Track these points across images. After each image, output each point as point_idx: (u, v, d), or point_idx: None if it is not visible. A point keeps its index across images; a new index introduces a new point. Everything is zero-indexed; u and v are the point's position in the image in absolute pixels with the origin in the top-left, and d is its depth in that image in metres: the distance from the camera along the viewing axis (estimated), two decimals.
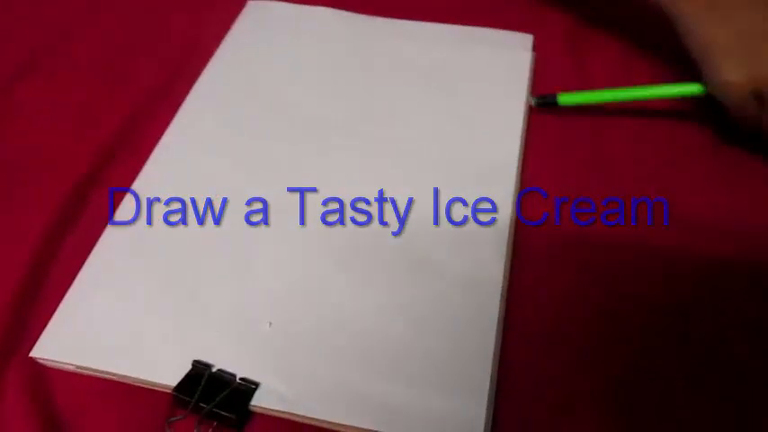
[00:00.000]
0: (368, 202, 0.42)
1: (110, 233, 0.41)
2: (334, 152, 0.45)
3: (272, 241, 0.40)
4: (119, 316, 0.37)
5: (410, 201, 0.42)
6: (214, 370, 0.34)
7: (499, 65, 0.50)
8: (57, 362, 0.35)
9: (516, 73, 0.49)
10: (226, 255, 0.39)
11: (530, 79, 0.49)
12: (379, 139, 0.45)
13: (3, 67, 0.51)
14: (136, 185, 0.43)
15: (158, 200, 0.42)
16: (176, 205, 0.42)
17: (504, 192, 0.42)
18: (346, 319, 0.37)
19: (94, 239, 0.40)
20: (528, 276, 0.39)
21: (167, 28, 0.55)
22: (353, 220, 0.41)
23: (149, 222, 0.41)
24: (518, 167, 0.44)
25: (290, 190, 0.43)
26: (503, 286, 0.38)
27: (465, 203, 0.42)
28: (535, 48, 0.52)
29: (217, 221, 0.41)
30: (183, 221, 0.41)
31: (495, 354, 0.35)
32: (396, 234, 0.40)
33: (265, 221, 0.41)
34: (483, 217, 0.41)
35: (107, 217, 0.41)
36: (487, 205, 0.41)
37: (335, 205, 0.42)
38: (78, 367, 0.35)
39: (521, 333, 0.37)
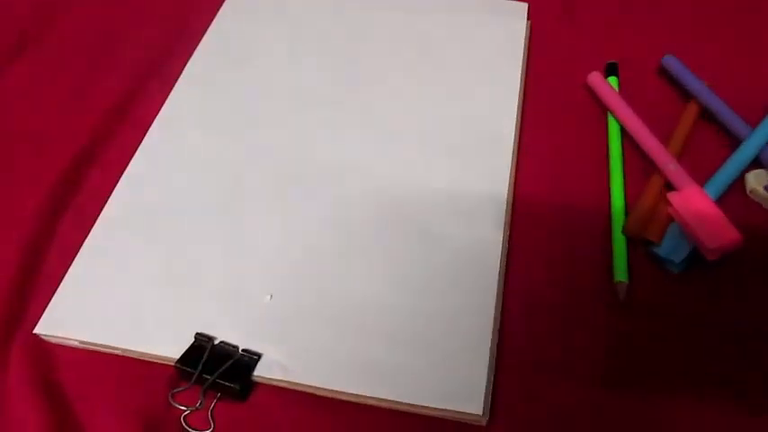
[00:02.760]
0: (365, 175, 0.42)
1: (109, 209, 0.41)
2: (329, 126, 0.45)
3: (271, 214, 0.40)
4: (120, 291, 0.37)
5: (408, 173, 0.42)
6: (216, 342, 0.35)
7: (494, 34, 0.50)
8: (60, 338, 0.36)
9: (511, 42, 0.49)
10: (225, 228, 0.40)
11: (525, 48, 0.49)
12: (374, 111, 0.45)
13: None
14: (133, 163, 0.43)
15: (156, 176, 0.42)
16: (174, 181, 0.42)
17: (501, 162, 0.42)
18: (346, 289, 0.37)
19: (93, 216, 0.40)
20: (526, 245, 0.39)
21: (155, 10, 0.54)
22: (351, 193, 0.41)
23: (148, 198, 0.41)
24: (515, 137, 0.44)
25: (287, 164, 0.43)
26: (502, 256, 0.38)
27: (463, 174, 0.42)
28: (530, 15, 0.52)
29: (215, 197, 0.41)
30: (182, 197, 0.41)
31: (494, 321, 0.35)
32: (394, 206, 0.40)
33: (263, 195, 0.41)
34: (481, 187, 0.41)
35: (105, 194, 0.41)
36: (485, 175, 0.42)
37: (332, 178, 0.42)
38: (82, 342, 0.35)
39: (520, 302, 0.37)
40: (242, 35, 0.51)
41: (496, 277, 0.37)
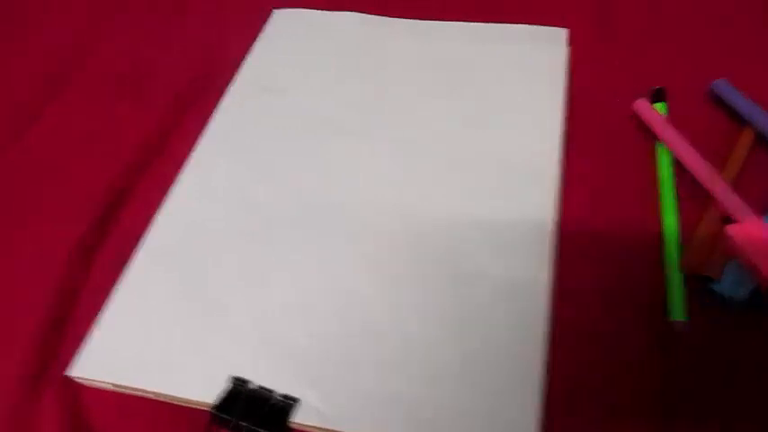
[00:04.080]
0: (402, 208, 0.40)
1: (143, 249, 0.40)
2: (365, 158, 0.44)
3: (307, 252, 0.39)
4: (154, 333, 0.36)
5: (447, 206, 0.40)
6: (252, 386, 0.33)
7: (533, 61, 0.48)
8: (93, 380, 0.35)
9: (552, 69, 0.48)
10: (260, 267, 0.38)
11: (566, 74, 0.47)
12: (413, 142, 0.44)
13: (32, 83, 0.51)
14: (167, 201, 0.42)
15: (191, 213, 0.41)
16: (209, 219, 0.41)
17: (545, 192, 0.41)
18: (384, 330, 0.35)
19: (126, 255, 0.39)
20: (572, 277, 0.37)
21: (194, 40, 0.54)
22: (388, 227, 0.40)
23: (182, 237, 0.40)
24: (558, 167, 0.42)
25: (322, 198, 0.41)
26: (547, 291, 0.36)
27: (504, 205, 0.40)
28: (570, 41, 0.50)
29: (250, 234, 0.40)
30: (217, 236, 0.40)
31: (542, 358, 0.34)
32: (433, 240, 0.39)
33: (299, 232, 0.40)
34: (524, 218, 0.39)
35: (139, 233, 0.41)
36: (528, 206, 0.40)
37: (369, 212, 0.40)
38: (115, 386, 0.35)
39: (568, 340, 0.35)
40: (277, 66, 0.51)
41: (543, 316, 0.35)
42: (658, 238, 0.39)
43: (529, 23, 0.51)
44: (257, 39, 0.53)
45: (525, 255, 0.38)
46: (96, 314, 0.37)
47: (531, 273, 0.37)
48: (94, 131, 0.47)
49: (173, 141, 0.46)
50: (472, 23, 0.52)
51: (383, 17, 0.54)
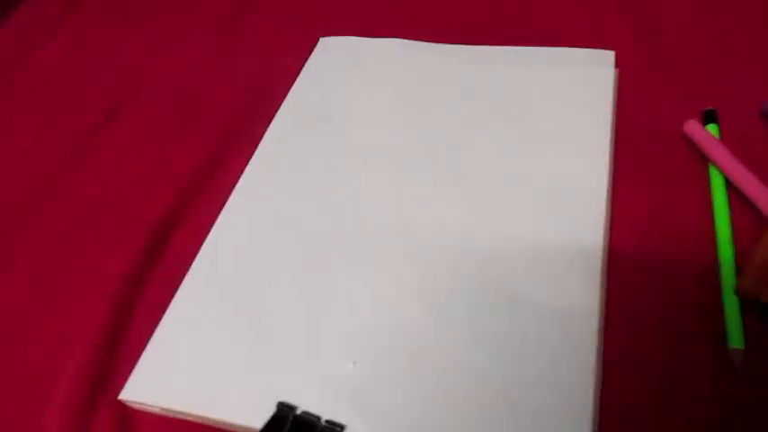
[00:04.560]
0: (450, 235, 0.40)
1: (192, 274, 0.41)
2: (413, 186, 0.44)
3: (354, 278, 0.39)
4: (203, 357, 0.37)
5: (495, 232, 0.40)
6: (299, 412, 0.33)
7: (581, 84, 0.48)
8: (143, 404, 0.35)
9: (600, 92, 0.47)
10: (307, 293, 0.39)
11: (614, 97, 0.47)
12: (460, 169, 0.44)
13: (89, 113, 0.53)
14: (216, 227, 0.43)
15: (239, 240, 0.42)
16: (257, 245, 0.42)
17: (594, 217, 0.40)
18: (433, 357, 0.35)
19: (177, 281, 0.40)
20: (624, 303, 0.37)
21: (240, 69, 0.56)
22: (434, 254, 0.39)
23: (231, 262, 0.41)
24: (607, 191, 0.41)
25: (370, 225, 0.42)
26: (599, 315, 0.35)
27: (554, 230, 0.39)
28: (617, 63, 0.50)
29: (297, 261, 0.40)
30: (264, 261, 0.41)
31: (595, 387, 0.33)
32: (482, 265, 0.38)
33: (347, 258, 0.40)
34: (574, 243, 0.39)
35: (189, 258, 0.41)
36: (578, 231, 0.39)
37: (417, 239, 0.40)
38: (163, 409, 0.35)
39: (620, 363, 0.34)
40: (323, 94, 0.51)
41: (594, 344, 0.34)
42: (713, 262, 0.38)
43: (572, 46, 0.51)
44: (304, 67, 0.54)
45: (576, 281, 0.37)
46: (148, 338, 0.38)
47: (582, 299, 0.36)
48: (148, 160, 0.49)
49: (222, 168, 0.47)
50: (518, 47, 0.52)
51: (426, 43, 0.54)
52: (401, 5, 0.59)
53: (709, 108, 0.45)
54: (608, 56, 0.50)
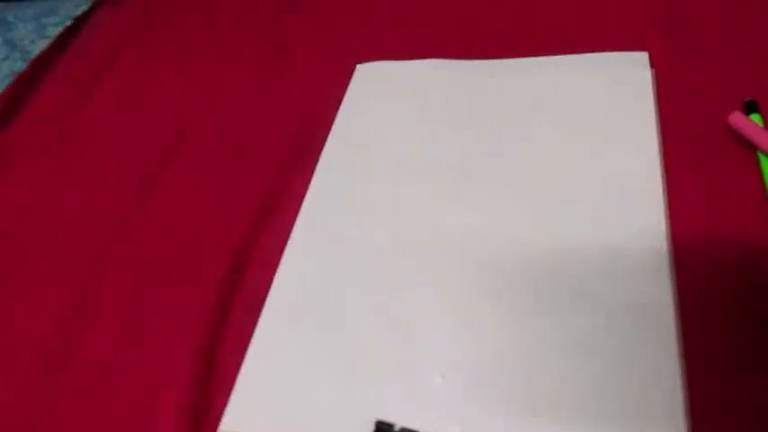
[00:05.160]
0: (515, 242, 0.42)
1: (271, 303, 0.42)
2: (470, 197, 0.45)
3: (428, 292, 0.41)
4: (295, 382, 0.38)
5: (557, 237, 0.41)
6: (398, 429, 0.35)
7: (622, 87, 0.49)
8: None
9: (640, 93, 0.49)
10: (386, 311, 0.40)
11: (655, 96, 0.48)
12: (517, 176, 0.46)
13: (151, 154, 0.56)
14: (288, 252, 0.45)
15: (310, 265, 0.44)
16: (329, 269, 0.43)
17: (653, 214, 0.41)
18: (517, 362, 0.36)
19: (257, 308, 0.42)
20: (694, 295, 0.38)
21: (285, 103, 0.57)
22: (504, 260, 0.41)
23: (306, 288, 0.42)
24: (663, 187, 0.43)
25: (435, 239, 0.43)
26: (674, 311, 0.37)
27: (617, 229, 0.41)
28: (652, 64, 0.51)
29: (370, 281, 0.42)
30: (339, 284, 0.42)
31: (682, 383, 0.34)
32: (550, 268, 0.40)
33: (417, 273, 0.42)
34: (637, 241, 0.40)
35: (266, 285, 0.43)
36: (640, 229, 0.40)
37: (483, 249, 0.42)
38: None
39: (702, 357, 0.35)
40: (367, 118, 0.53)
41: (673, 335, 0.36)
42: None
43: (604, 50, 0.53)
44: (345, 94, 0.56)
45: (646, 276, 0.38)
46: (238, 368, 0.39)
47: (656, 294, 0.37)
48: (211, 196, 0.51)
49: (284, 197, 0.49)
50: (551, 57, 0.54)
51: (460, 60, 0.56)
52: (427, 27, 0.61)
53: (750, 99, 0.46)
54: (642, 57, 0.51)
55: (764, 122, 0.45)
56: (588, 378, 0.35)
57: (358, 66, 0.58)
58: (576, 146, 0.46)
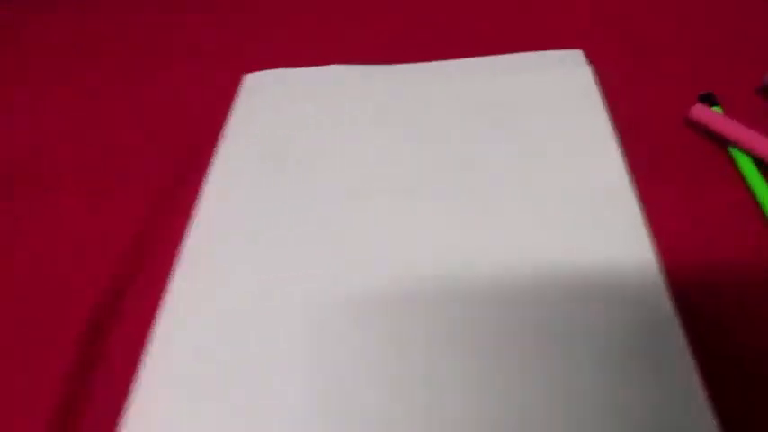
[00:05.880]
0: (479, 270, 0.32)
1: (150, 354, 0.30)
2: (408, 220, 0.36)
3: (369, 348, 0.30)
4: None
5: (529, 262, 0.33)
6: None
7: (560, 87, 0.43)
8: None
9: (585, 92, 0.42)
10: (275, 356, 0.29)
11: (601, 94, 0.42)
12: (458, 196, 0.37)
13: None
14: (163, 315, 0.32)
15: (195, 324, 0.32)
16: (215, 318, 0.32)
17: (633, 226, 0.34)
18: (509, 419, 0.27)
19: (134, 351, 0.30)
20: (696, 313, 0.30)
21: (163, 123, 0.46)
22: (470, 298, 0.31)
23: (187, 356, 0.31)
24: (636, 194, 0.35)
25: (366, 274, 0.33)
26: (680, 328, 0.29)
27: (596, 249, 0.33)
28: (591, 61, 0.45)
29: (256, 333, 0.31)
30: (227, 335, 0.31)
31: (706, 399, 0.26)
32: (532, 304, 0.31)
33: (346, 319, 0.31)
34: (623, 260, 0.32)
35: (140, 336, 0.31)
36: (622, 244, 0.33)
37: (438, 284, 0.32)
38: None
39: (725, 373, 0.28)
40: (262, 132, 0.43)
41: (687, 351, 0.28)
42: None
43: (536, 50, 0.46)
44: (232, 109, 0.45)
45: (642, 298, 0.30)
46: None
47: (656, 313, 0.30)
48: (67, 242, 0.37)
49: (158, 241, 0.37)
50: (475, 58, 0.46)
51: (370, 66, 0.47)
52: (328, 32, 0.52)
53: (707, 92, 0.41)
54: (576, 54, 0.45)
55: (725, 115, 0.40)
56: (605, 413, 0.26)
57: (246, 75, 0.48)
58: (527, 157, 0.38)
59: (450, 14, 0.53)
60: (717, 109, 0.40)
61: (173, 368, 0.30)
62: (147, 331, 0.32)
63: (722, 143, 0.38)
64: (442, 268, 0.32)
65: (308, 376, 0.29)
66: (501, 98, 0.42)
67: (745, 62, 0.44)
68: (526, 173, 0.37)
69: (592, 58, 0.46)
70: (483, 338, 0.29)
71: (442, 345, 0.29)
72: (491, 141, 0.39)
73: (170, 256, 0.36)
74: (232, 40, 0.53)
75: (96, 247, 0.37)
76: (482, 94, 0.43)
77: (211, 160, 0.41)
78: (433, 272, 0.32)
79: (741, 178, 0.36)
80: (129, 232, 0.37)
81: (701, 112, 0.39)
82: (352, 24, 0.53)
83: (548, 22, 0.50)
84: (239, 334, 0.31)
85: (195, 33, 0.54)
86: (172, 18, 0.57)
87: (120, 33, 0.56)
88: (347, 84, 0.45)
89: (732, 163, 0.37)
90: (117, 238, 0.37)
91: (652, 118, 0.41)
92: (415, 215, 0.36)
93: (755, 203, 0.35)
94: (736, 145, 0.37)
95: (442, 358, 0.29)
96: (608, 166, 0.37)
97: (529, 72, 0.44)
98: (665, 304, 0.30)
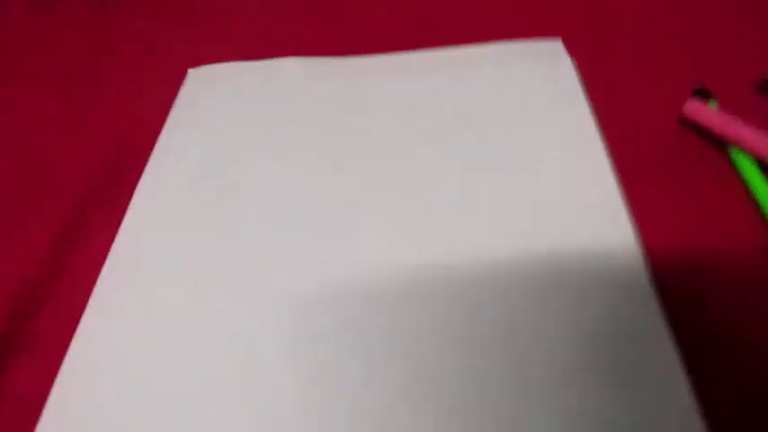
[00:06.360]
0: (463, 282, 0.28)
1: (59, 384, 0.25)
2: (362, 230, 0.31)
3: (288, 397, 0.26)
4: None
5: (508, 274, 0.28)
6: None
7: (539, 79, 0.38)
8: None
9: (566, 84, 0.37)
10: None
11: (582, 88, 0.37)
12: (426, 205, 0.32)
13: None
14: (72, 348, 0.28)
15: (106, 361, 0.27)
16: (140, 334, 0.27)
17: (620, 228, 0.29)
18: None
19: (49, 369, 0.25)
20: (686, 317, 0.26)
21: (98, 121, 0.41)
22: (432, 327, 0.27)
23: (104, 369, 0.26)
24: (622, 195, 0.31)
25: (305, 290, 0.28)
26: (669, 335, 0.25)
27: (580, 251, 0.28)
28: (571, 53, 0.41)
29: (186, 356, 0.26)
30: (148, 360, 0.26)
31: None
32: (518, 319, 0.26)
33: (252, 346, 0.27)
34: (610, 264, 0.28)
35: (57, 359, 0.26)
36: (608, 246, 0.29)
37: (412, 300, 0.28)
38: None
39: (717, 381, 0.23)
40: (203, 132, 0.38)
41: (677, 360, 0.24)
42: None
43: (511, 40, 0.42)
44: (172, 108, 0.40)
45: (630, 300, 0.26)
46: None
47: (647, 320, 0.26)
48: None
49: (76, 256, 0.32)
50: (445, 49, 0.42)
51: (323, 58, 0.42)
52: (283, 24, 0.47)
53: (701, 86, 0.37)
54: (555, 45, 0.41)
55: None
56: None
57: (190, 70, 0.43)
58: (501, 155, 0.34)
59: (415, 1, 0.48)
60: (712, 104, 0.35)
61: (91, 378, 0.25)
62: (68, 338, 0.27)
63: (717, 141, 0.34)
64: (404, 269, 0.28)
65: (232, 381, 0.24)
66: (475, 92, 0.38)
67: (741, 56, 0.39)
68: (498, 176, 0.33)
69: (574, 50, 0.41)
70: (463, 334, 0.25)
71: (405, 346, 0.25)
72: (457, 139, 0.35)
73: (96, 260, 0.31)
74: (179, 34, 0.48)
75: (13, 250, 0.32)
76: (450, 87, 0.38)
77: (145, 165, 0.36)
78: (390, 273, 0.28)
79: (737, 176, 0.32)
80: (48, 235, 0.33)
81: (693, 108, 0.34)
82: (312, 15, 0.48)
83: (525, 9, 0.45)
84: (162, 343, 0.26)
85: (140, 27, 0.49)
86: (114, 9, 0.52)
87: (53, 28, 0.51)
88: (297, 78, 0.41)
89: (728, 162, 0.33)
90: (37, 241, 0.33)
91: (640, 113, 0.36)
92: (363, 216, 0.31)
93: (753, 202, 0.31)
94: (732, 143, 0.33)
95: (408, 359, 0.24)
96: (594, 168, 0.32)
97: (504, 63, 0.39)
98: (652, 305, 0.26)
